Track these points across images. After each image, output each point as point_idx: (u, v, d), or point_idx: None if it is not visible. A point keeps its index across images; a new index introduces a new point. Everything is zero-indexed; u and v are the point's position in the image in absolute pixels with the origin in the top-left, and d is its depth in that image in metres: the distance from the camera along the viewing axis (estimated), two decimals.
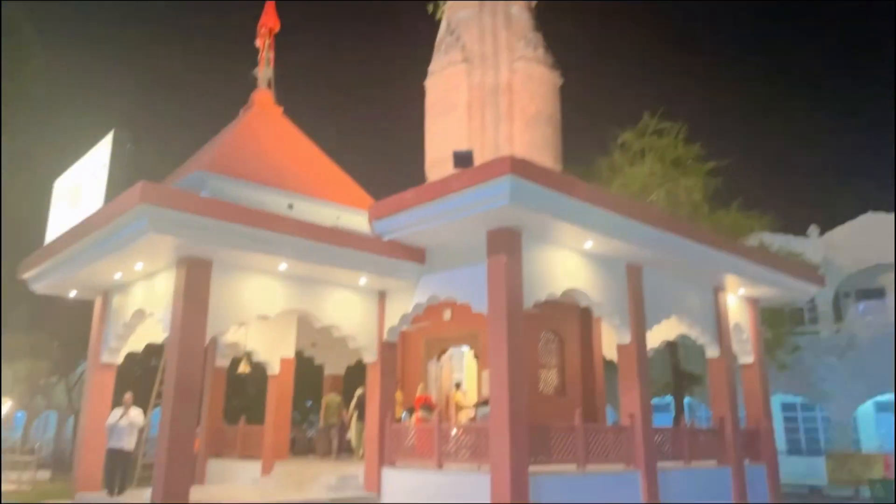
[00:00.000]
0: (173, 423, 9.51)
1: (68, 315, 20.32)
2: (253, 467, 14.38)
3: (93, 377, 12.30)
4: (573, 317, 14.79)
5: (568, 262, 11.23)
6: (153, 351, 17.01)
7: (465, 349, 17.61)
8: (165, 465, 9.36)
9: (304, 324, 15.33)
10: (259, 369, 15.23)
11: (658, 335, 14.54)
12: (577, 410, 11.07)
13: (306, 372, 18.83)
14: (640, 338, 11.95)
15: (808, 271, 16.28)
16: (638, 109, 22.29)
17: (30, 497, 15.93)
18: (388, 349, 12.28)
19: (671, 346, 20.34)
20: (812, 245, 27.68)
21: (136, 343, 12.76)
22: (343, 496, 11.17)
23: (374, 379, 12.11)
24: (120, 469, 11.28)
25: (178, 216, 9.32)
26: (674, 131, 21.14)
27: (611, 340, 13.37)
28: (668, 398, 25.75)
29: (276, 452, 14.05)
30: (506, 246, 10.23)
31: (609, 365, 15.08)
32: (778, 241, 23.35)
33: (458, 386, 15.26)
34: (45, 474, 19.98)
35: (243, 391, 27.98)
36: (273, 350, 14.46)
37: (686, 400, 23.23)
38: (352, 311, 12.06)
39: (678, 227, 12.12)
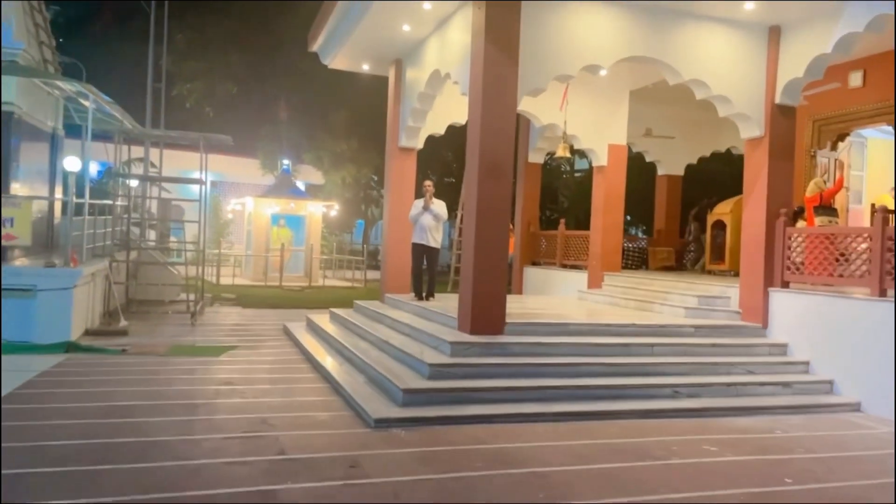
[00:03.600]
0: (481, 212, 6.98)
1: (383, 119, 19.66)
2: (576, 279, 11.86)
3: (391, 164, 10.45)
4: None
5: None
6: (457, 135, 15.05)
7: (876, 134, 12.26)
8: (474, 267, 6.99)
9: (638, 104, 11.60)
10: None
11: None
12: None
13: (636, 171, 15.43)
14: None
15: None
16: None
17: (345, 297, 15.88)
18: (781, 117, 8.04)
19: None
20: None
21: (437, 123, 10.48)
22: (711, 322, 7.90)
23: (757, 163, 8.12)
24: (428, 270, 9.47)
25: None
26: None
27: None
28: None
29: (606, 262, 11.23)
30: None
31: None
32: None
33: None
34: (375, 274, 20.57)
35: (559, 191, 25.78)
36: (599, 135, 11.16)
37: None
38: (726, 58, 7.94)
39: None
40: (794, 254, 7.76)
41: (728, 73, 7.95)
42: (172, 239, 23.05)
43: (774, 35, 7.99)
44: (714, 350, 7.38)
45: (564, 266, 12.76)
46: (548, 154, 14.71)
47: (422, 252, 9.41)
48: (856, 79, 10.68)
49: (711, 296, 8.66)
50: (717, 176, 22.81)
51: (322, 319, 10.34)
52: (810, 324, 7.45)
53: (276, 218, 21.00)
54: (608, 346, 7.05)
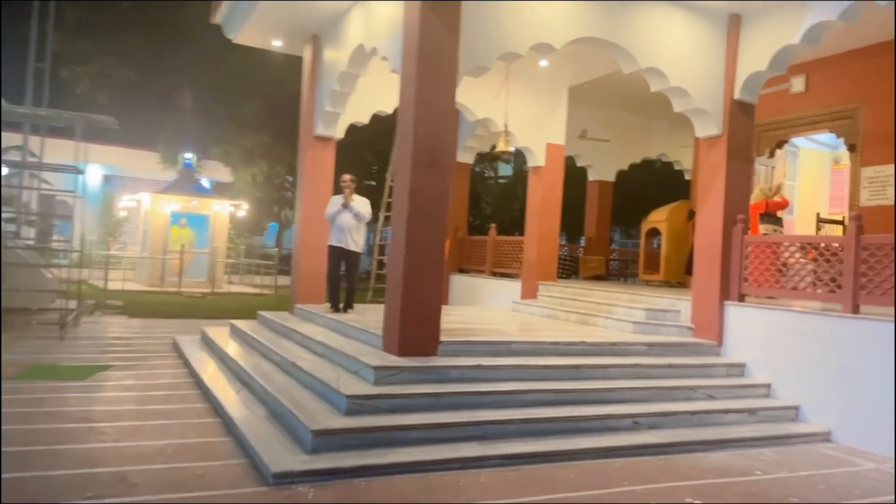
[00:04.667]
0: (414, 209, 5.83)
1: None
2: (508, 289, 10.92)
3: (306, 155, 9.13)
4: None
5: None
6: (383, 126, 13.84)
7: (808, 144, 12.06)
8: (404, 275, 5.83)
9: (572, 104, 10.82)
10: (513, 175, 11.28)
11: None
12: None
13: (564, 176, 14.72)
14: None
15: None
16: None
17: (253, 304, 14.38)
18: (741, 114, 7.35)
19: None
20: None
21: (360, 111, 9.26)
22: (663, 339, 7.07)
23: (713, 164, 7.39)
24: (347, 278, 8.25)
25: None
26: None
27: None
28: None
29: (541, 271, 10.33)
30: None
31: None
32: None
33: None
34: (287, 280, 19.01)
35: (481, 197, 24.98)
36: (536, 133, 10.29)
37: None
38: (685, 47, 7.17)
39: None
40: (753, 265, 7.06)
41: (687, 63, 7.18)
42: (57, 237, 20.61)
43: (735, 24, 7.30)
44: (670, 371, 6.53)
45: (495, 274, 11.82)
46: (478, 154, 13.77)
47: (340, 256, 8.18)
48: (798, 84, 10.29)
49: (660, 309, 7.87)
50: (641, 186, 22.75)
51: (220, 333, 8.89)
52: (770, 342, 6.74)
53: (176, 217, 19.08)
54: (557, 368, 6.05)
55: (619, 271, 14.80)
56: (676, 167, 15.27)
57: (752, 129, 7.54)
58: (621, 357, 6.57)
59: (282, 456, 4.41)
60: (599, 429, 5.44)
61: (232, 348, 7.85)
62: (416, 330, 5.82)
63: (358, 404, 4.96)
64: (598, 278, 13.44)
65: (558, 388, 5.73)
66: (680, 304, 7.86)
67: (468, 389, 5.42)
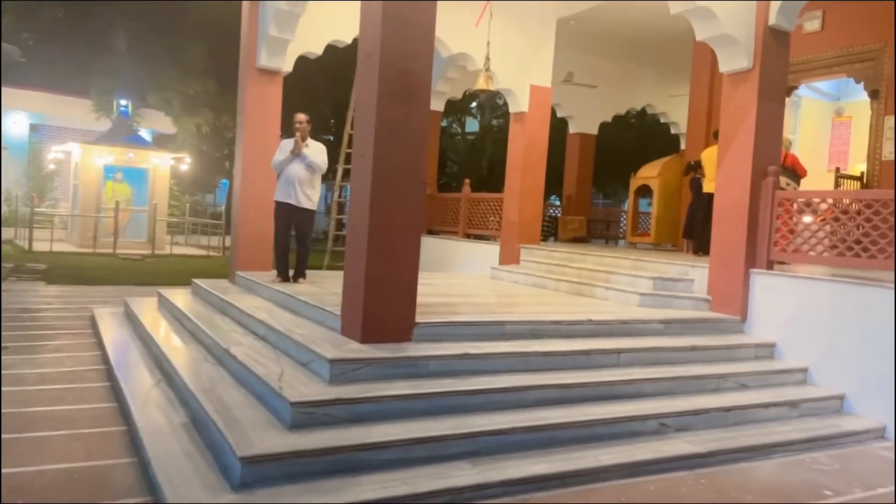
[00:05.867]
0: (381, 152, 4.44)
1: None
2: (485, 252, 9.68)
3: (247, 91, 7.57)
4: None
5: None
6: (342, 70, 12.23)
7: (810, 93, 11.00)
8: (369, 239, 4.47)
9: (557, 44, 9.44)
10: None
11: None
12: None
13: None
14: None
15: None
16: None
17: (196, 268, 12.87)
18: (775, 44, 6.10)
19: None
20: None
21: (313, 38, 7.73)
22: (680, 315, 5.90)
23: (740, 104, 6.15)
24: (298, 240, 6.87)
25: None
26: None
27: None
28: None
29: (523, 233, 9.09)
30: None
31: None
32: None
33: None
34: None
35: (447, 154, 23.53)
36: (520, 73, 8.91)
37: None
38: None
39: None
40: (786, 226, 5.90)
41: None
42: None
43: None
44: (693, 356, 5.38)
45: (469, 236, 10.54)
46: (448, 102, 12.32)
47: (289, 215, 6.77)
48: (812, 22, 9.12)
49: (670, 278, 6.71)
50: (617, 141, 21.52)
51: (146, 306, 7.43)
52: (805, 318, 5.65)
53: (110, 171, 17.16)
54: (562, 355, 4.83)
55: (602, 233, 13.68)
56: (663, 120, 14.10)
57: (786, 63, 6.31)
58: (635, 338, 5.39)
59: (195, 494, 3.09)
60: (621, 435, 4.25)
61: (156, 325, 6.43)
62: (384, 309, 4.50)
63: (307, 414, 3.65)
64: (578, 240, 12.32)
65: (566, 381, 4.51)
66: (693, 272, 6.71)
67: (454, 388, 4.14)
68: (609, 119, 13.49)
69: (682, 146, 13.88)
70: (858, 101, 10.33)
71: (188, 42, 18.46)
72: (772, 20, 6.01)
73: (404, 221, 4.53)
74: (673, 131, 14.16)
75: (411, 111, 4.49)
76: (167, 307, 7.14)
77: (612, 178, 22.11)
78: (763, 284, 6.00)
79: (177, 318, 6.65)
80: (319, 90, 18.95)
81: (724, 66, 6.22)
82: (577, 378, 4.61)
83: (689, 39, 10.91)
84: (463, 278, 8.76)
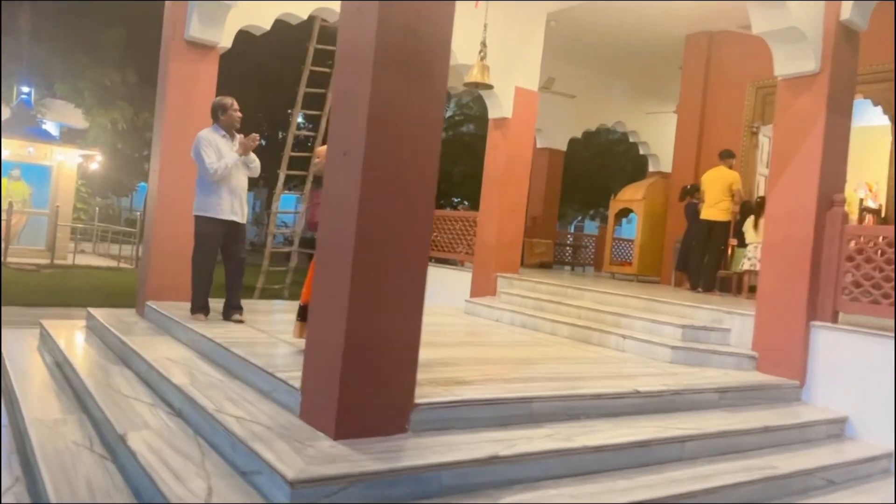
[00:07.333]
0: (373, 147, 2.93)
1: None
2: (454, 280, 8.26)
3: (171, 68, 5.85)
4: None
5: None
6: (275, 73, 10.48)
7: None
8: (353, 277, 2.94)
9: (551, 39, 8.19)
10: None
11: None
12: None
13: None
14: None
15: None
16: None
17: (106, 284, 10.88)
18: (845, 45, 4.98)
19: None
20: None
21: (259, 9, 6.13)
22: (734, 382, 4.62)
23: (802, 116, 4.98)
24: (234, 265, 5.22)
25: None
26: None
27: None
28: None
29: (502, 259, 7.72)
30: None
31: None
32: None
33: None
34: None
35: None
36: (504, 73, 7.58)
37: None
38: None
39: None
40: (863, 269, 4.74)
41: None
42: None
43: None
44: (766, 439, 4.09)
45: (435, 260, 9.09)
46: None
47: (229, 235, 5.12)
48: None
49: (702, 326, 5.45)
50: (570, 161, 20.51)
51: (21, 344, 5.60)
52: (880, 385, 4.49)
53: (7, 166, 14.78)
54: (615, 449, 3.41)
55: (568, 259, 12.50)
56: (632, 139, 13.10)
57: (856, 69, 5.19)
58: (695, 416, 4.05)
59: None
60: None
61: (27, 380, 4.64)
62: (372, 386, 2.97)
63: None
64: (543, 265, 11.08)
65: (635, 500, 3.09)
66: (728, 320, 5.47)
67: None
68: (579, 135, 12.39)
69: (651, 167, 12.94)
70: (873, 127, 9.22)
71: (105, 27, 16.29)
72: (844, 15, 4.88)
73: (406, 252, 3.03)
74: (642, 151, 13.17)
75: (422, 90, 3.02)
76: (49, 349, 5.33)
77: (574, 198, 21.06)
78: (827, 341, 4.81)
79: (59, 368, 4.88)
80: (251, 97, 17.01)
81: (783, 67, 5.04)
82: (640, 488, 3.20)
83: (671, 50, 9.95)
84: (434, 314, 7.26)
